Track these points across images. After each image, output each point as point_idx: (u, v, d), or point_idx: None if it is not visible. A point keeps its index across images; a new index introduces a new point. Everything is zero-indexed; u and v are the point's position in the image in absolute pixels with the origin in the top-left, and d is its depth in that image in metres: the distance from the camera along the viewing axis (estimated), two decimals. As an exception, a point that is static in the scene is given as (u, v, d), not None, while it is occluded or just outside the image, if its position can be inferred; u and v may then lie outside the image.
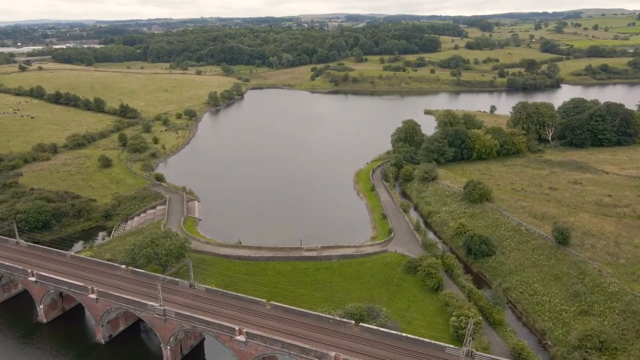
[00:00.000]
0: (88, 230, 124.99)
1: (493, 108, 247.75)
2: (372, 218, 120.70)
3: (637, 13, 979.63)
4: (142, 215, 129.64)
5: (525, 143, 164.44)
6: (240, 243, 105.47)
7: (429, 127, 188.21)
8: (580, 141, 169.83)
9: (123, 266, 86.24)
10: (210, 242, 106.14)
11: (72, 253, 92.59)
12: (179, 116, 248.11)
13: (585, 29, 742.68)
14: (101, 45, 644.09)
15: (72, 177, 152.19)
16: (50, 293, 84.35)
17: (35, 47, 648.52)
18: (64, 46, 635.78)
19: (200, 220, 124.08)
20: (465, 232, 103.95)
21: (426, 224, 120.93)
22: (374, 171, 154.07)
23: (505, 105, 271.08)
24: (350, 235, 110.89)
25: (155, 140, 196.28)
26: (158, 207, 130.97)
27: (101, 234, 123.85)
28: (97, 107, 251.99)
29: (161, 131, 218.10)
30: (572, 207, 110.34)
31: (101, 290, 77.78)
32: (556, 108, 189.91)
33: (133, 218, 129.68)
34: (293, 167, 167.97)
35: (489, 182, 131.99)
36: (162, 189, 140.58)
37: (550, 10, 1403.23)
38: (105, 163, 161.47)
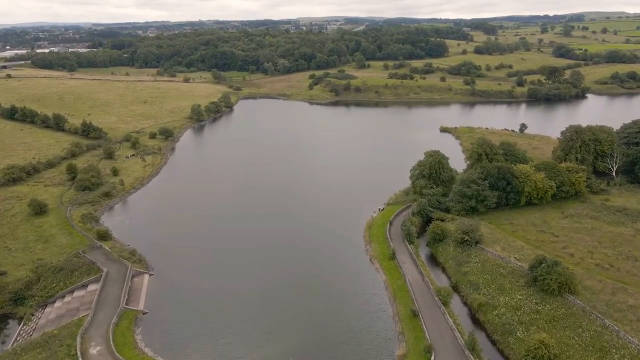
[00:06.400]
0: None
1: (523, 126, 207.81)
2: (396, 313, 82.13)
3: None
4: (67, 298, 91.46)
5: (585, 182, 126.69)
6: (195, 372, 67.53)
7: (450, 152, 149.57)
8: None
9: None
10: (148, 370, 67.90)
11: None
12: (152, 136, 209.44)
13: (594, 32, 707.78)
14: (86, 50, 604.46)
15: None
16: None
17: (18, 52, 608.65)
18: (46, 50, 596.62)
19: (145, 313, 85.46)
20: (549, 358, 65.99)
21: (474, 318, 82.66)
22: (391, 223, 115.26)
23: (529, 120, 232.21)
24: (367, 350, 73.07)
25: (115, 172, 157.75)
26: (90, 287, 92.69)
27: (8, 328, 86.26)
28: (57, 124, 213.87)
29: (127, 157, 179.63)
30: None
31: None
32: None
33: (54, 302, 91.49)
34: (286, 214, 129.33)
35: (556, 249, 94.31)
36: (102, 255, 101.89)
37: (551, 14, 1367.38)
38: (38, 209, 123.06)
